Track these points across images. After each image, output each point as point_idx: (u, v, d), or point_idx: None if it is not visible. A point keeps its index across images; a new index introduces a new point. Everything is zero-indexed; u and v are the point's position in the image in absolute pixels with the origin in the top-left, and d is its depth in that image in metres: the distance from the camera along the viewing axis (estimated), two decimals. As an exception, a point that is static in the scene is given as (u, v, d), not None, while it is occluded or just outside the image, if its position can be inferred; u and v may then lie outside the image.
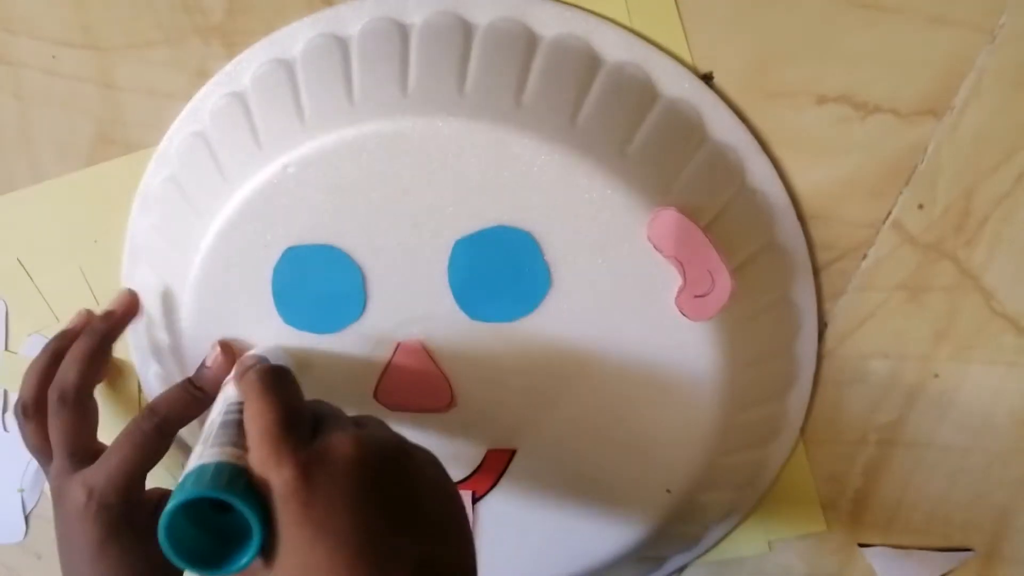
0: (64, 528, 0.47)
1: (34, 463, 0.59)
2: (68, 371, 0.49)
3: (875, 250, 0.49)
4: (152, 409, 0.46)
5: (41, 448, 0.49)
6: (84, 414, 0.49)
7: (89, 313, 0.54)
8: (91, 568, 0.46)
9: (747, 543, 0.55)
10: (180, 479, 0.36)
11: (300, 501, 0.35)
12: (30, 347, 0.57)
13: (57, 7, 0.51)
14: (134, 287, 0.54)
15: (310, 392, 0.46)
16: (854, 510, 0.54)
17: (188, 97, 0.51)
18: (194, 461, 0.37)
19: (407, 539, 0.36)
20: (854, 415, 0.52)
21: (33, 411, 0.50)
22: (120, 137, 0.53)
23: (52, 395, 0.49)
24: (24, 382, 0.51)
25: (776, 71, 0.46)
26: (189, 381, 0.48)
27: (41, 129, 0.54)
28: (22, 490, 0.61)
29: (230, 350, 0.49)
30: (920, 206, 0.47)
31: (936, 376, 0.50)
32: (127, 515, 0.45)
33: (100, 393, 0.56)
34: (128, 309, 0.53)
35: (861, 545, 0.54)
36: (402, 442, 0.40)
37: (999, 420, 0.50)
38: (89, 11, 0.51)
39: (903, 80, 0.46)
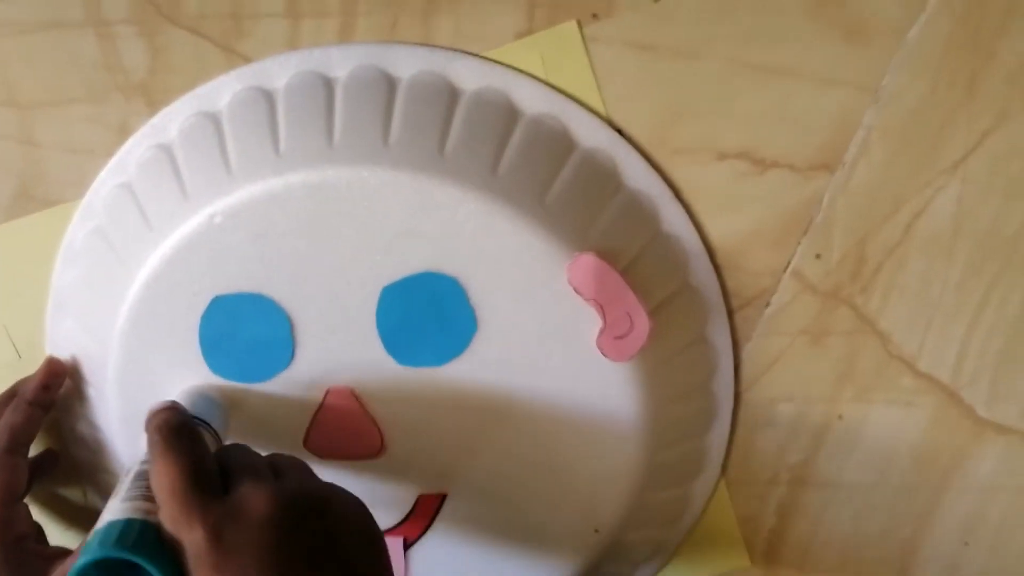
0: None
1: None
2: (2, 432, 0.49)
3: (778, 297, 0.51)
4: None
5: None
6: (11, 471, 0.48)
7: (52, 364, 0.52)
8: None
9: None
10: (89, 535, 0.36)
11: (211, 563, 0.34)
12: None
13: (-23, 63, 0.51)
14: (59, 340, 0.53)
15: (238, 439, 0.46)
16: (769, 550, 0.55)
17: (109, 153, 0.51)
18: (105, 516, 0.37)
19: None
20: (766, 456, 0.53)
21: None
22: (40, 193, 0.53)
23: None
24: None
25: (679, 128, 0.49)
26: (14, 397, 0.49)
27: None
28: None
29: (47, 362, 0.50)
30: (818, 255, 0.50)
31: (840, 417, 0.52)
32: (7, 560, 0.45)
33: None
34: (58, 378, 0.52)
35: (778, 584, 0.55)
36: (320, 489, 0.39)
37: (901, 457, 0.52)
38: (10, 68, 0.51)
39: (798, 137, 0.48)
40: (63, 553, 0.47)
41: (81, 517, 0.57)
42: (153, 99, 0.50)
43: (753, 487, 0.54)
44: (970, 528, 0.53)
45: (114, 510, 0.37)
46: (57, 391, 0.51)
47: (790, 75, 0.47)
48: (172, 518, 0.36)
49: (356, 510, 0.39)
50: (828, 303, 0.50)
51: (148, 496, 0.37)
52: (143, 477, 0.39)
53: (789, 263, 0.50)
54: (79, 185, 0.52)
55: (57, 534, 0.56)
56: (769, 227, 0.50)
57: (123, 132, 0.51)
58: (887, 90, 0.47)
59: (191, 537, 0.35)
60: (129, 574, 0.35)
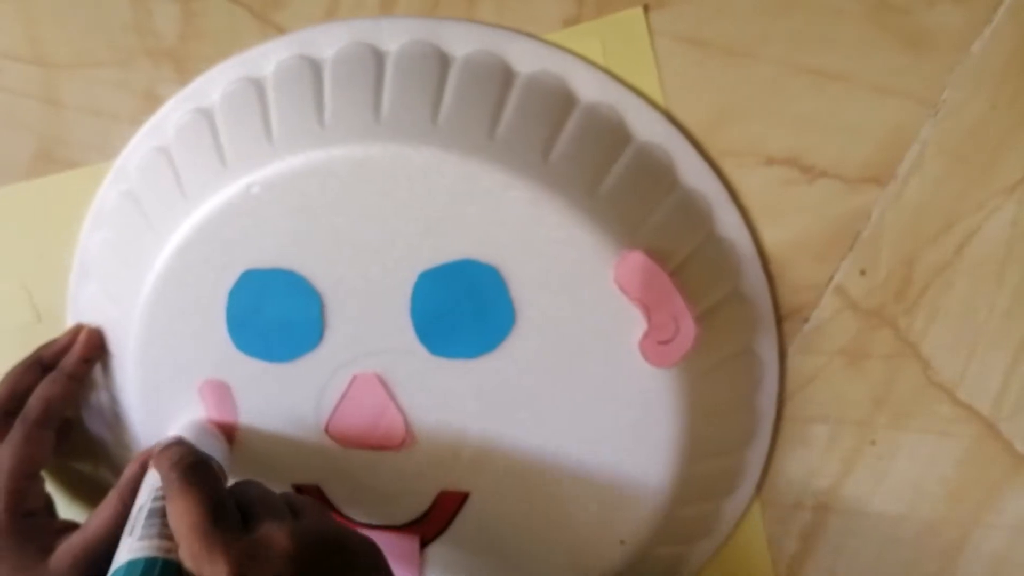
0: None
1: None
2: (35, 400, 0.48)
3: (818, 313, 0.49)
4: (22, 416, 0.47)
5: None
6: (38, 445, 0.48)
7: (79, 331, 0.51)
8: None
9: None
10: (109, 574, 0.36)
11: None
12: None
13: (5, 19, 0.50)
14: (81, 305, 0.52)
15: (260, 428, 0.45)
16: (788, 575, 0.53)
17: (134, 119, 0.50)
18: (124, 555, 0.37)
19: None
20: (793, 479, 0.52)
21: None
22: (61, 156, 0.52)
23: (17, 419, 0.48)
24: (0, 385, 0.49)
25: (727, 129, 0.47)
26: (39, 364, 0.49)
27: None
28: None
29: (87, 333, 0.49)
30: (862, 272, 0.48)
31: (873, 443, 0.50)
32: (17, 532, 0.45)
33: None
34: (97, 351, 0.51)
35: (794, 608, 0.53)
36: (338, 532, 0.40)
37: (931, 489, 0.50)
38: (39, 26, 0.50)
39: (849, 147, 0.47)
40: (70, 527, 0.46)
41: (90, 490, 0.56)
42: (182, 66, 0.49)
43: (777, 510, 0.52)
44: (998, 567, 0.51)
45: (132, 548, 0.37)
46: (94, 364, 0.51)
47: (845, 81, 0.46)
48: (193, 555, 0.36)
49: (371, 552, 0.40)
50: (869, 322, 0.49)
51: (165, 534, 0.38)
52: (158, 514, 0.39)
53: (832, 278, 0.48)
54: (101, 149, 0.51)
55: (63, 505, 0.56)
56: (814, 239, 0.48)
57: (149, 98, 0.50)
58: (946, 104, 0.45)
59: (213, 573, 0.35)
60: None
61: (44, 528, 0.46)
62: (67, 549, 0.44)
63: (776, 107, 0.46)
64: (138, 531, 0.38)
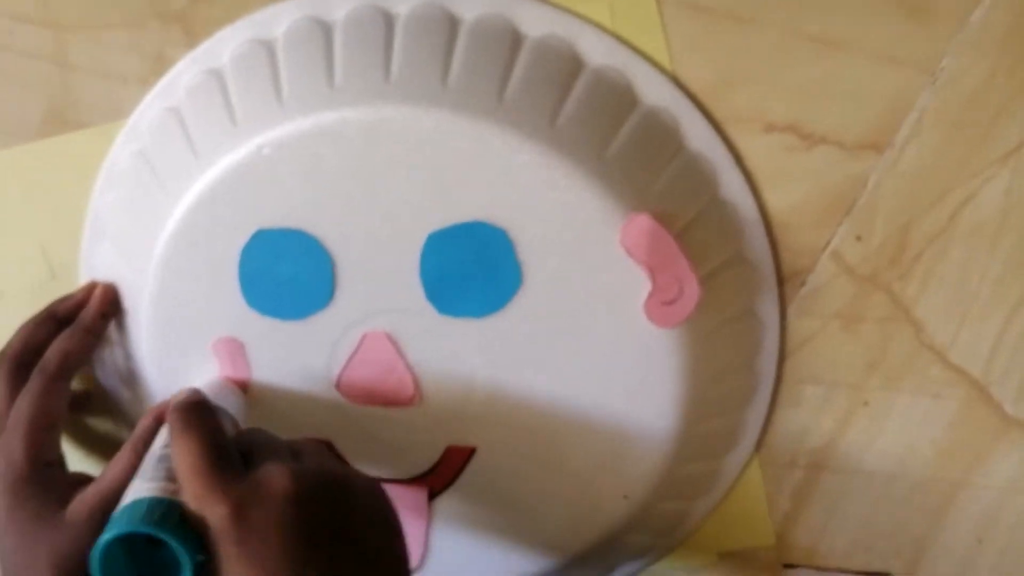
0: None
1: None
2: (53, 352, 0.49)
3: (814, 277, 0.49)
4: (40, 368, 0.47)
5: (0, 416, 0.48)
6: (56, 397, 0.48)
7: (94, 288, 0.52)
8: (1, 539, 0.45)
9: (696, 554, 0.56)
10: (115, 512, 0.37)
11: (235, 538, 0.35)
12: None
13: (16, -19, 0.50)
14: (95, 264, 0.52)
15: (271, 384, 0.46)
16: (781, 532, 0.54)
17: (144, 81, 0.50)
18: (130, 495, 0.38)
19: (343, 573, 0.36)
20: (786, 438, 0.52)
21: (7, 370, 0.49)
22: (71, 117, 0.52)
23: (35, 370, 0.48)
24: (13, 338, 0.50)
25: (729, 95, 0.47)
26: (53, 318, 0.49)
27: None
28: None
29: (103, 289, 0.50)
30: (858, 238, 0.49)
31: (866, 404, 0.51)
32: (36, 481, 0.45)
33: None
34: (114, 306, 0.52)
35: (786, 566, 0.55)
36: (340, 472, 0.40)
37: (923, 449, 0.51)
38: (49, -12, 0.49)
39: (849, 114, 0.47)
40: (85, 479, 0.47)
41: (104, 445, 0.57)
42: (191, 29, 0.49)
43: (770, 468, 0.53)
44: (986, 526, 0.52)
45: (138, 489, 0.38)
46: (110, 320, 0.51)
47: (847, 49, 0.46)
48: (195, 495, 0.36)
49: (374, 493, 0.40)
50: (864, 287, 0.49)
51: (172, 477, 0.38)
52: (166, 460, 0.39)
53: (829, 243, 0.49)
54: (111, 111, 0.51)
55: (77, 460, 0.56)
56: (811, 205, 0.48)
57: (159, 61, 0.50)
58: (945, 73, 0.46)
59: (215, 513, 0.36)
60: (153, 551, 0.36)
61: (61, 479, 0.47)
62: (82, 500, 0.44)
63: (777, 74, 0.47)
64: (146, 474, 0.39)
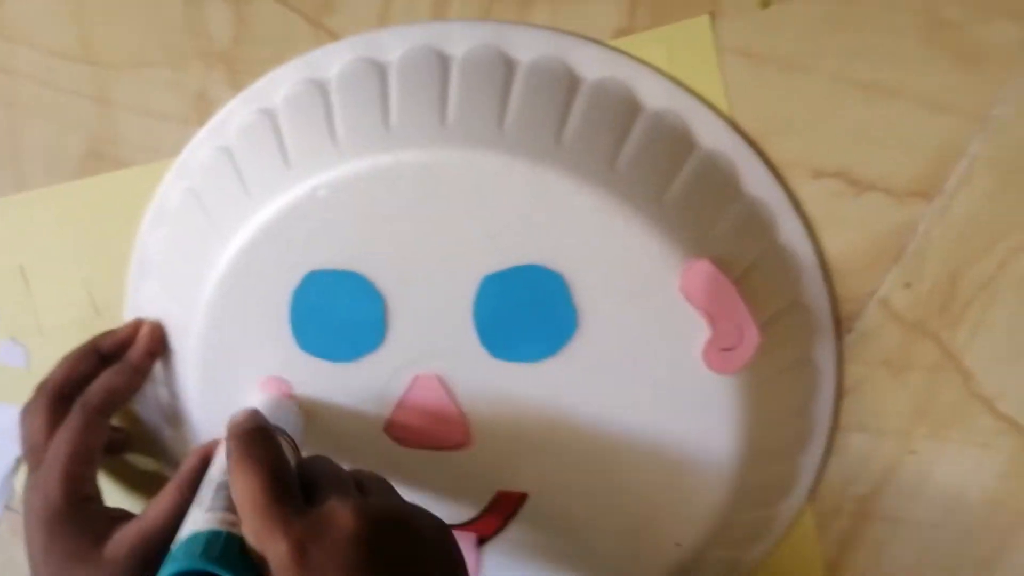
0: (25, 538, 0.46)
1: (4, 472, 0.58)
2: (98, 387, 0.48)
3: (861, 324, 0.49)
4: (82, 402, 0.47)
5: (37, 446, 0.48)
6: (96, 433, 0.48)
7: (140, 326, 0.51)
8: (38, 570, 0.45)
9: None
10: (174, 546, 0.36)
11: None
12: (1, 352, 0.57)
13: (59, 19, 0.50)
14: (140, 302, 0.52)
15: (320, 426, 0.45)
16: (824, 581, 0.53)
17: (185, 120, 0.50)
18: (188, 527, 0.37)
19: None
20: (831, 486, 0.52)
21: (48, 401, 0.48)
22: (111, 154, 0.52)
23: (76, 404, 0.48)
24: (54, 369, 0.50)
25: (777, 141, 0.47)
26: (95, 352, 0.49)
27: (31, 140, 0.53)
28: None
29: (151, 328, 0.49)
30: (907, 285, 0.48)
31: (913, 453, 0.50)
32: (72, 517, 0.45)
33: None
34: (162, 344, 0.51)
35: (834, 614, 0.53)
36: (405, 509, 0.39)
37: (971, 498, 0.50)
38: (91, 26, 0.50)
39: (898, 161, 0.47)
40: (125, 515, 0.47)
41: (145, 484, 0.57)
42: (235, 68, 0.49)
43: (816, 516, 0.53)
44: (1035, 577, 0.50)
45: (197, 520, 0.37)
46: (157, 359, 0.51)
47: (896, 96, 0.46)
48: (255, 531, 0.35)
49: (438, 531, 0.39)
50: (913, 335, 0.49)
51: (231, 507, 0.37)
52: (225, 488, 0.38)
53: (877, 290, 0.48)
54: (152, 150, 0.51)
55: (119, 499, 0.56)
56: (860, 251, 0.48)
57: (201, 100, 0.50)
58: (996, 120, 0.45)
59: (275, 551, 0.35)
60: None
61: (99, 515, 0.47)
62: (123, 537, 0.44)
63: (826, 120, 0.46)
64: (205, 503, 0.38)
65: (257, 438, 0.40)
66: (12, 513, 0.59)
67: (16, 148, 0.53)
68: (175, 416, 0.52)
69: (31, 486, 0.47)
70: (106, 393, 0.48)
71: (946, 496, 0.51)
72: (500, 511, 0.49)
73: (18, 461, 0.58)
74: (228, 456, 0.39)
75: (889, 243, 0.48)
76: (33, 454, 0.48)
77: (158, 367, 0.52)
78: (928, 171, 0.47)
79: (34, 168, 0.53)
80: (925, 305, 0.48)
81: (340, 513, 0.36)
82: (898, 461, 0.51)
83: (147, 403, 0.53)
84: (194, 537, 0.36)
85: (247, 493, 0.36)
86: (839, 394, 0.50)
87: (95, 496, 0.48)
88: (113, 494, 0.55)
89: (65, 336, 0.53)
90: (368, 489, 0.40)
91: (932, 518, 0.51)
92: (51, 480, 0.45)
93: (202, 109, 0.50)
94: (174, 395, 0.51)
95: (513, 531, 0.49)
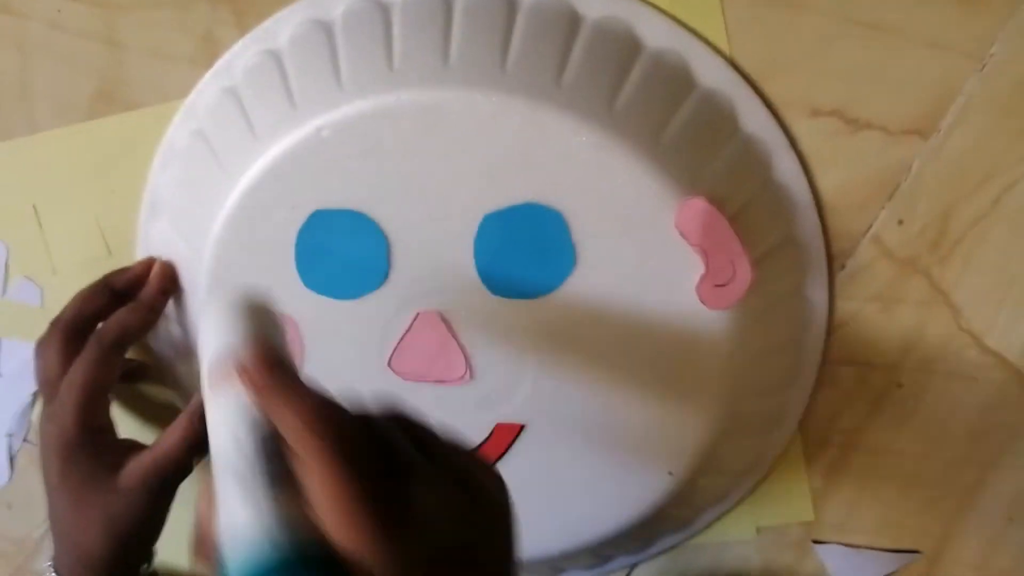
0: (42, 466, 0.47)
1: (22, 407, 0.59)
2: (113, 323, 0.49)
3: (853, 261, 0.50)
4: (96, 337, 0.47)
5: (52, 379, 0.48)
6: (110, 367, 0.48)
7: (152, 264, 0.52)
8: (53, 502, 0.46)
9: (735, 528, 0.56)
10: (223, 549, 0.30)
11: None
12: (16, 291, 0.57)
13: (67, -38, 0.50)
14: (151, 241, 0.53)
15: (324, 362, 0.46)
16: (812, 509, 0.55)
17: (193, 61, 0.51)
18: (240, 518, 0.30)
19: None
20: (818, 418, 0.53)
21: (61, 336, 0.49)
22: (121, 96, 0.52)
23: (91, 339, 0.48)
24: (68, 306, 0.50)
25: (775, 79, 0.48)
26: (107, 288, 0.49)
27: (41, 82, 0.53)
28: (10, 435, 0.60)
29: (162, 267, 0.50)
30: (900, 222, 0.49)
31: (900, 385, 0.52)
32: (87, 445, 0.46)
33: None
34: (174, 284, 0.52)
35: (815, 542, 0.55)
36: (481, 485, 0.35)
37: (955, 430, 0.52)
38: (98, -33, 0.49)
39: (894, 99, 0.47)
40: (137, 446, 0.48)
41: (158, 415, 0.58)
42: (239, 8, 0.50)
43: (804, 446, 0.54)
44: (1017, 506, 0.52)
45: (246, 518, 0.30)
46: (170, 297, 0.52)
47: (895, 35, 0.46)
48: (348, 542, 0.30)
49: (505, 496, 0.36)
50: (904, 271, 0.50)
51: (296, 498, 0.30)
52: (270, 460, 0.31)
53: (870, 227, 0.49)
54: (160, 90, 0.52)
55: (132, 430, 0.57)
56: (854, 189, 0.49)
57: (208, 40, 0.50)
58: (994, 59, 0.46)
59: (379, 567, 0.30)
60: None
61: (113, 444, 0.48)
62: (136, 466, 0.45)
63: (824, 59, 0.47)
64: (253, 483, 0.30)
65: (341, 429, 0.32)
66: (29, 445, 0.60)
67: (26, 91, 0.53)
68: (186, 351, 0.53)
69: (46, 417, 0.48)
70: (120, 329, 0.49)
71: (932, 427, 0.52)
72: (498, 442, 0.50)
73: (34, 396, 0.59)
74: (302, 450, 0.31)
75: (883, 181, 0.48)
76: (47, 387, 0.49)
77: (169, 305, 0.52)
78: (924, 110, 0.47)
79: (44, 110, 0.53)
80: (917, 242, 0.49)
81: (433, 507, 0.32)
82: (885, 394, 0.52)
83: (160, 338, 0.55)
84: (259, 548, 0.29)
85: (330, 491, 0.30)
86: (830, 329, 0.51)
87: (108, 427, 0.49)
88: (127, 425, 0.57)
89: (78, 274, 0.54)
90: (468, 471, 0.35)
91: (917, 449, 0.52)
92: (66, 410, 0.46)
93: (208, 50, 0.51)
94: (185, 332, 0.52)
95: (510, 461, 0.51)
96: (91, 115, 0.53)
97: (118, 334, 0.49)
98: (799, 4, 0.46)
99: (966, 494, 0.53)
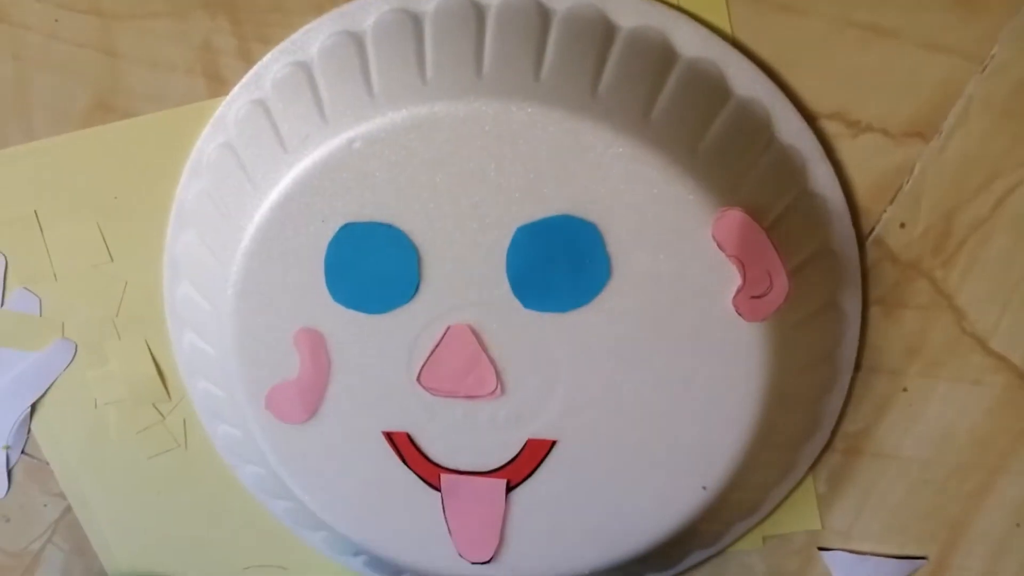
0: None
1: (20, 418, 0.59)
2: None
3: (856, 264, 0.50)
4: None
5: None
6: None
7: None
8: None
9: (742, 539, 0.56)
10: None
11: None
12: (14, 301, 0.57)
13: (62, -30, 0.49)
14: (177, 252, 0.52)
15: (353, 377, 0.47)
16: (819, 517, 0.55)
17: (190, 70, 0.50)
18: None
19: None
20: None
21: None
22: (119, 105, 0.52)
23: None
24: None
25: (775, 83, 0.47)
26: None
27: (38, 91, 0.53)
28: (7, 447, 0.60)
29: None
30: (902, 225, 0.49)
31: (905, 390, 0.51)
32: None
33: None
34: None
35: (821, 549, 0.55)
36: None
37: (960, 435, 0.51)
38: (95, -24, 0.49)
39: (895, 102, 0.47)
40: None
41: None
42: (238, 18, 0.49)
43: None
44: (1022, 513, 0.53)
45: None
46: None
47: (895, 37, 0.46)
48: None
49: None
50: (907, 274, 0.49)
51: None
52: None
53: (872, 230, 0.49)
54: (158, 100, 0.51)
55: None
56: (856, 192, 0.49)
57: (205, 50, 0.50)
58: (995, 61, 0.46)
59: None
60: None
61: None
62: None
63: (824, 63, 0.47)
64: None
65: None
66: (27, 458, 0.60)
67: (24, 100, 0.53)
68: (207, 364, 0.53)
69: None
70: None
71: (936, 433, 0.52)
72: (530, 458, 0.50)
73: (33, 407, 0.58)
74: None
75: (885, 184, 0.48)
76: None
77: (195, 319, 0.52)
78: (925, 112, 0.47)
79: (42, 120, 0.53)
80: (919, 245, 0.49)
81: None
82: (889, 398, 0.52)
83: (181, 348, 0.55)
84: None
85: None
86: (863, 339, 0.51)
87: None
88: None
89: (79, 281, 0.54)
90: None
91: (923, 454, 0.52)
92: None
93: (206, 59, 0.50)
94: (208, 343, 0.52)
95: (542, 477, 0.50)
96: (89, 124, 0.52)
97: None
98: (800, 8, 0.46)
99: (972, 500, 0.53)
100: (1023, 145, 0.47)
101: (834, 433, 0.53)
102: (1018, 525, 0.53)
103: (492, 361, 0.48)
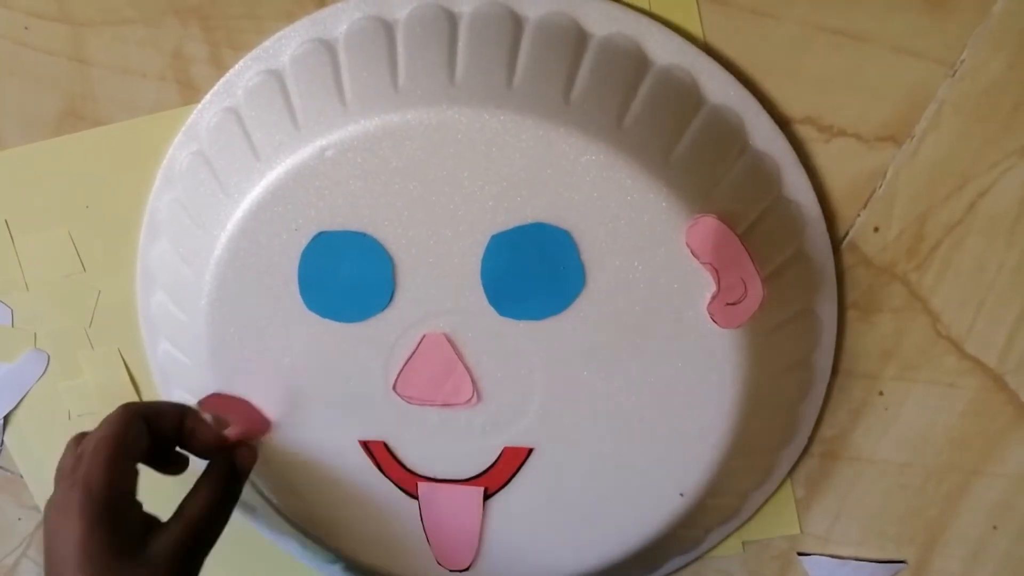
0: (50, 535, 0.43)
1: None
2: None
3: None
4: (125, 405, 0.45)
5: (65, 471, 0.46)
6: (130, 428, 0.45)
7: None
8: (73, 568, 0.42)
9: (721, 545, 0.56)
10: None
11: None
12: None
13: (32, -23, 0.49)
14: (150, 260, 0.52)
15: (329, 386, 0.46)
16: (798, 522, 0.55)
17: (162, 77, 0.50)
18: None
19: None
20: (802, 427, 0.52)
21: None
22: (89, 112, 0.52)
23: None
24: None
25: (748, 89, 0.47)
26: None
27: (8, 99, 0.52)
28: None
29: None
30: (876, 229, 0.49)
31: (881, 394, 0.52)
32: (113, 507, 0.42)
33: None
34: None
35: (800, 554, 0.55)
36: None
37: (937, 438, 0.52)
38: (64, -18, 0.49)
39: (867, 106, 0.47)
40: (155, 519, 0.45)
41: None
42: (209, 25, 0.49)
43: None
44: (1001, 513, 0.53)
45: None
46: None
47: (866, 42, 0.46)
48: None
49: None
50: (881, 278, 0.50)
51: None
52: None
53: (847, 235, 0.49)
54: (129, 107, 0.51)
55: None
56: (830, 197, 0.49)
57: (177, 57, 0.50)
58: (964, 65, 0.46)
59: None
60: None
61: (139, 514, 0.45)
62: (167, 540, 0.43)
63: (796, 68, 0.47)
64: None
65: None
66: (1, 471, 0.60)
67: (-7, 107, 0.52)
68: (183, 371, 0.52)
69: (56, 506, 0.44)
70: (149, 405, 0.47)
71: (912, 436, 0.52)
72: (506, 466, 0.50)
73: (6, 419, 0.58)
74: None
75: (858, 188, 0.48)
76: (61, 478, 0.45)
77: (170, 329, 0.52)
78: (897, 116, 0.47)
79: (12, 128, 0.53)
80: (894, 248, 0.49)
81: None
82: (866, 402, 0.52)
83: (156, 358, 0.54)
84: None
85: None
86: (840, 344, 0.51)
87: (135, 493, 0.45)
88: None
89: (51, 291, 0.53)
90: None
91: (899, 457, 0.52)
92: (93, 467, 0.43)
93: (178, 67, 0.50)
94: (184, 352, 0.51)
95: (519, 485, 0.50)
96: (59, 132, 0.52)
97: (146, 406, 0.46)
98: (768, 13, 0.46)
99: (949, 502, 0.53)
100: (995, 148, 0.47)
101: (811, 438, 0.53)
102: (995, 528, 0.53)
103: (468, 369, 0.48)
